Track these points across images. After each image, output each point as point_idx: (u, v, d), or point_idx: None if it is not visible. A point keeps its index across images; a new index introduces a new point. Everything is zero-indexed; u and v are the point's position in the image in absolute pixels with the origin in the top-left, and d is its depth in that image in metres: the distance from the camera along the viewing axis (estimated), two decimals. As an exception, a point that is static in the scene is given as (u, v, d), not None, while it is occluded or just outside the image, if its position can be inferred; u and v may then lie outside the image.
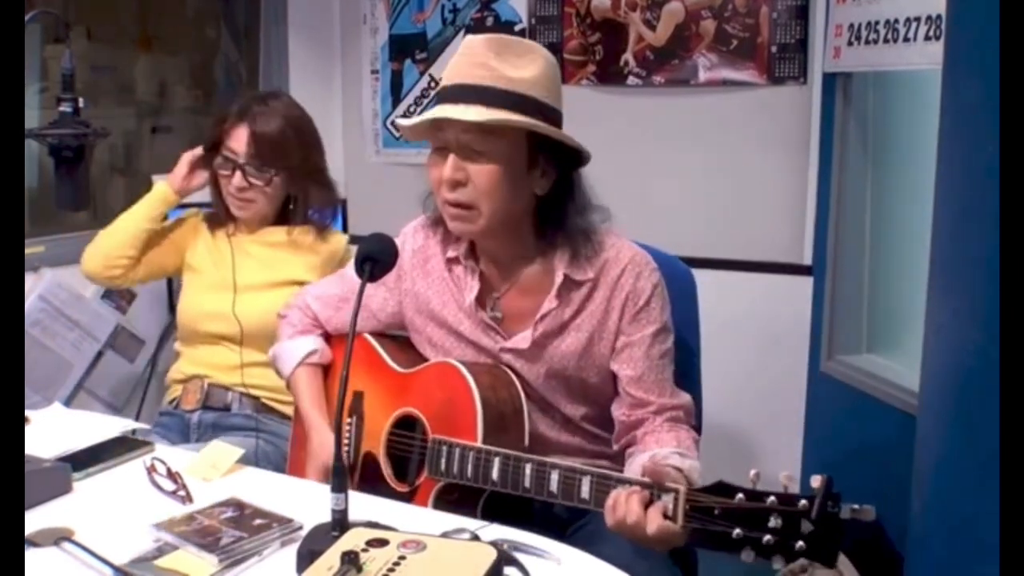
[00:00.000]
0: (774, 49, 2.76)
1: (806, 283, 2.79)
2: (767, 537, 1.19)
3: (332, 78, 3.43)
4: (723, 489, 1.23)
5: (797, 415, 2.83)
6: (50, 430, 1.73)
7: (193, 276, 2.35)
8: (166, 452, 1.68)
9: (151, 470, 1.55)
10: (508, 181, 1.56)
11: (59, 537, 1.32)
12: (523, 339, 1.66)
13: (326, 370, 1.88)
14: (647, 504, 1.31)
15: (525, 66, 1.56)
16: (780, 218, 2.83)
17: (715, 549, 1.23)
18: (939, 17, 2.08)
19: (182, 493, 1.49)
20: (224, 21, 3.47)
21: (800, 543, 1.17)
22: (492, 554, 1.15)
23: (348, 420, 1.75)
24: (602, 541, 1.39)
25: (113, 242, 2.30)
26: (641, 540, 1.31)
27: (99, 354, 2.68)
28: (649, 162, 2.96)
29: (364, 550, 1.14)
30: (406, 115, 3.30)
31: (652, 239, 1.82)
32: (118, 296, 2.74)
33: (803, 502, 1.18)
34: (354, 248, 1.65)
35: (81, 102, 1.68)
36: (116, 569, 1.24)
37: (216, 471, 1.58)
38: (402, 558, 1.14)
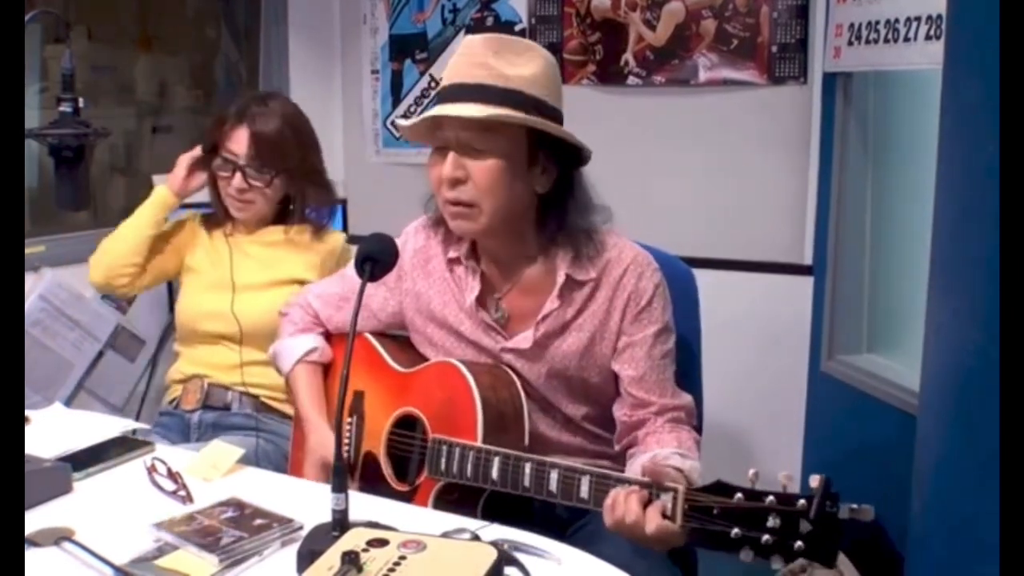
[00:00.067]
0: (774, 49, 2.76)
1: (806, 283, 2.79)
2: (766, 537, 1.19)
3: (332, 78, 3.43)
4: (722, 489, 1.23)
5: (797, 415, 2.83)
6: (50, 430, 1.73)
7: (191, 276, 2.35)
8: (166, 452, 1.68)
9: (151, 470, 1.55)
10: (508, 179, 1.56)
11: (59, 537, 1.32)
12: (524, 339, 1.66)
13: (326, 369, 1.88)
14: (646, 504, 1.31)
15: (524, 64, 1.56)
16: (780, 218, 2.83)
17: (714, 549, 1.23)
18: (939, 17, 2.08)
19: (182, 493, 1.49)
20: (224, 21, 3.47)
21: (799, 543, 1.17)
22: (492, 554, 1.15)
23: (348, 420, 1.75)
24: (602, 541, 1.39)
25: (118, 251, 2.29)
26: (640, 539, 1.31)
27: (100, 354, 2.68)
28: (649, 162, 2.96)
29: (364, 550, 1.14)
30: (406, 115, 3.30)
31: (652, 239, 1.82)
32: (118, 296, 2.74)
33: (802, 502, 1.18)
34: (353, 247, 1.65)
35: (81, 102, 1.68)
36: (116, 569, 1.24)
37: (216, 471, 1.58)
38: (402, 558, 1.14)
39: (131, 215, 2.32)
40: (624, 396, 1.66)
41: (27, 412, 1.78)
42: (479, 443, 1.54)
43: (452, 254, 1.71)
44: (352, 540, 1.17)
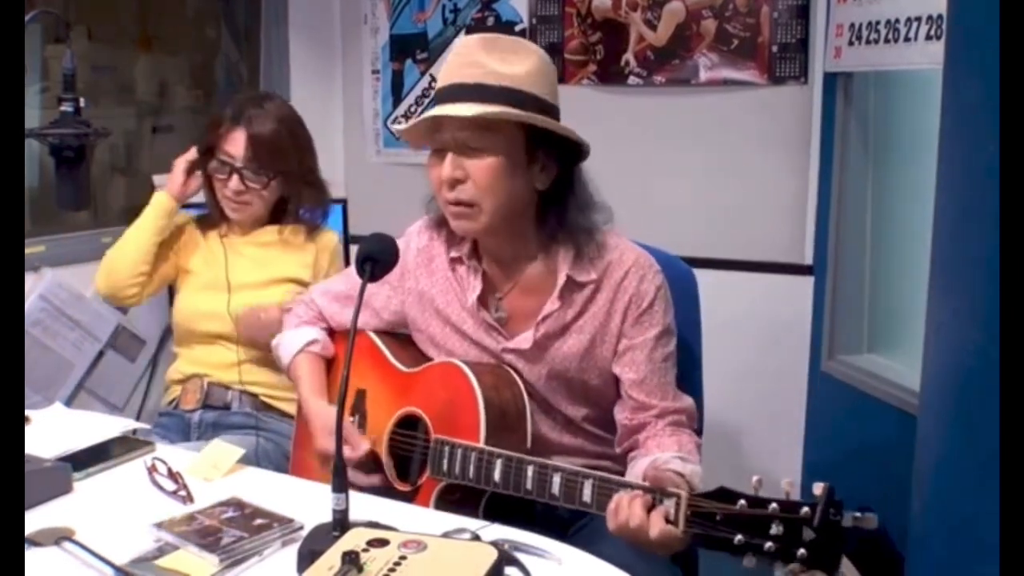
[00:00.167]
0: (775, 49, 2.76)
1: (807, 283, 2.79)
2: (769, 544, 1.18)
3: (333, 78, 3.43)
4: (725, 495, 1.23)
5: (797, 415, 2.83)
6: (51, 430, 1.73)
7: (187, 278, 2.35)
8: (167, 452, 1.68)
9: (152, 470, 1.55)
10: (507, 176, 1.56)
11: (60, 537, 1.32)
12: (525, 339, 1.66)
13: (329, 365, 1.88)
14: (649, 508, 1.31)
15: (518, 62, 1.56)
16: (781, 218, 2.83)
17: (717, 551, 1.23)
18: (940, 17, 2.08)
19: (183, 493, 1.49)
20: (224, 21, 3.47)
21: (802, 550, 1.17)
22: (493, 554, 1.15)
23: (351, 419, 1.75)
24: (603, 541, 1.39)
25: (126, 261, 2.29)
26: (644, 544, 1.31)
27: (100, 354, 2.68)
28: (650, 162, 2.96)
29: (365, 550, 1.14)
30: (407, 115, 3.30)
31: (653, 239, 1.82)
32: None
33: (805, 509, 1.17)
34: (353, 247, 1.65)
35: (82, 102, 1.68)
36: (117, 569, 1.24)
37: (217, 471, 1.58)
38: (403, 558, 1.14)
39: (132, 224, 2.32)
40: (625, 399, 1.66)
41: (27, 412, 1.78)
42: (481, 444, 1.54)
43: (454, 254, 1.71)
44: (352, 540, 1.18)
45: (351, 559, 1.10)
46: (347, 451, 1.64)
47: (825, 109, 2.67)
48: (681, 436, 1.63)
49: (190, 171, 2.31)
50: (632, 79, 2.96)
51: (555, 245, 1.65)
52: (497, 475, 1.51)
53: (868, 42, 2.38)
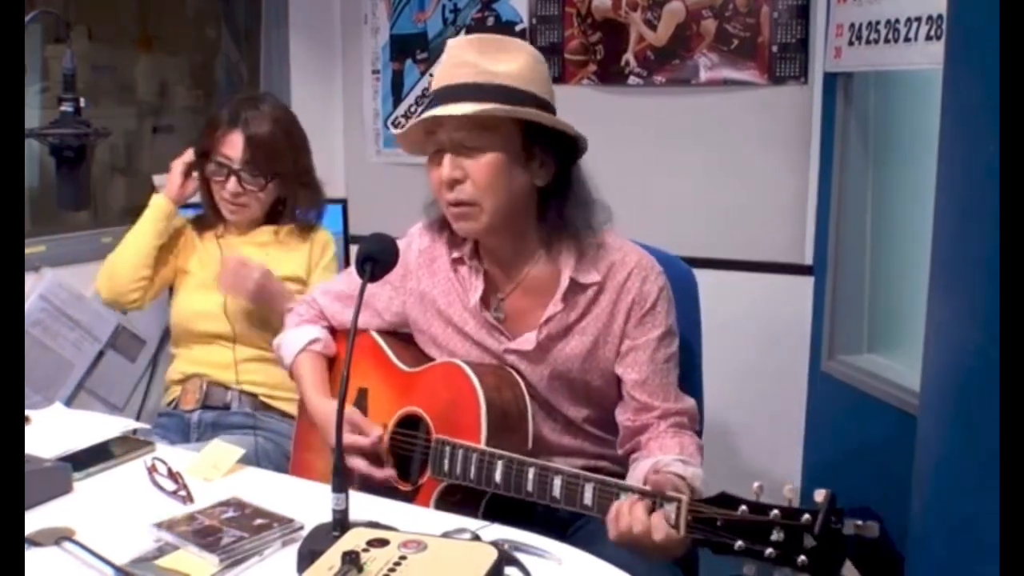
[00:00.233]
0: (775, 49, 2.76)
1: (807, 283, 2.79)
2: (769, 550, 1.18)
3: (333, 78, 3.43)
4: (726, 501, 1.22)
5: (797, 415, 2.83)
6: (51, 430, 1.73)
7: (184, 279, 2.36)
8: (167, 452, 1.68)
9: (152, 470, 1.55)
10: (506, 174, 1.56)
11: (60, 537, 1.32)
12: (527, 341, 1.66)
13: (331, 364, 1.88)
14: (650, 512, 1.31)
15: (510, 60, 1.56)
16: (781, 218, 2.83)
17: (718, 553, 1.23)
18: (940, 17, 2.08)
19: (183, 493, 1.49)
20: (224, 21, 3.47)
21: (802, 557, 1.16)
22: (493, 554, 1.15)
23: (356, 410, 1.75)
24: (602, 541, 1.38)
25: (127, 266, 2.29)
26: (647, 548, 1.31)
27: (100, 354, 2.68)
28: (650, 162, 2.96)
29: (365, 550, 1.14)
30: (407, 115, 3.30)
31: (653, 239, 1.82)
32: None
33: (806, 516, 1.16)
34: (353, 246, 1.65)
35: (82, 102, 1.68)
36: (117, 569, 1.24)
37: (217, 471, 1.58)
38: (403, 558, 1.14)
39: (131, 229, 2.32)
40: (627, 400, 1.66)
41: (27, 412, 1.78)
42: (483, 444, 1.54)
43: (456, 254, 1.71)
44: (352, 540, 1.18)
45: (351, 559, 1.10)
46: (359, 438, 1.65)
47: (825, 109, 2.67)
48: (683, 438, 1.63)
49: (187, 173, 2.31)
50: (632, 79, 2.96)
51: (557, 244, 1.65)
52: (498, 476, 1.50)
53: (868, 42, 2.38)
